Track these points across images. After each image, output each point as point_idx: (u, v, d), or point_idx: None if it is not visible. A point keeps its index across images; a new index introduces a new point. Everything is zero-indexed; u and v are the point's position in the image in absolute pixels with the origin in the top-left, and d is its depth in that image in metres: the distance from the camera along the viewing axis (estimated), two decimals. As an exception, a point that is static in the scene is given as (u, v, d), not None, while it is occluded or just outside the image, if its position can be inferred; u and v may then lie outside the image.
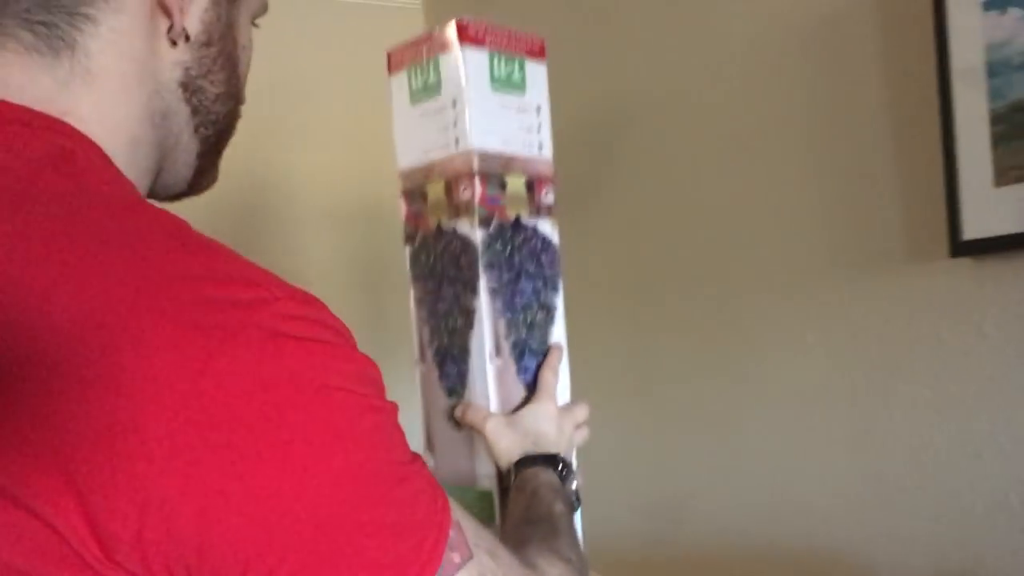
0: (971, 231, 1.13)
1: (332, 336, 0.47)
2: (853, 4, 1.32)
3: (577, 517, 0.97)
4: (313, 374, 0.44)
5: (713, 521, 1.63)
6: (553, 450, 0.86)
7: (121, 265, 0.42)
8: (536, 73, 0.96)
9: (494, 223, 0.90)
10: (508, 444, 0.85)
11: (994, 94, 1.10)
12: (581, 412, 0.96)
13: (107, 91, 0.54)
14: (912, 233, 1.23)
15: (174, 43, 0.57)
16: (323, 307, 0.47)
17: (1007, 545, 1.12)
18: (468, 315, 0.90)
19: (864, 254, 1.31)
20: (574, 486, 0.85)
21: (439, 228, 0.92)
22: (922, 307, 1.22)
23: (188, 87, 0.59)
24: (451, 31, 0.89)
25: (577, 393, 2.08)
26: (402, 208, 0.96)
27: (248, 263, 0.47)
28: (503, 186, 0.91)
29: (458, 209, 0.89)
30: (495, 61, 0.91)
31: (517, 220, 0.93)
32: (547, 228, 0.97)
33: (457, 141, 0.89)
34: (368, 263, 2.54)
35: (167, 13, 0.56)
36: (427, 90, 0.92)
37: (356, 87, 2.96)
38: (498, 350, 0.90)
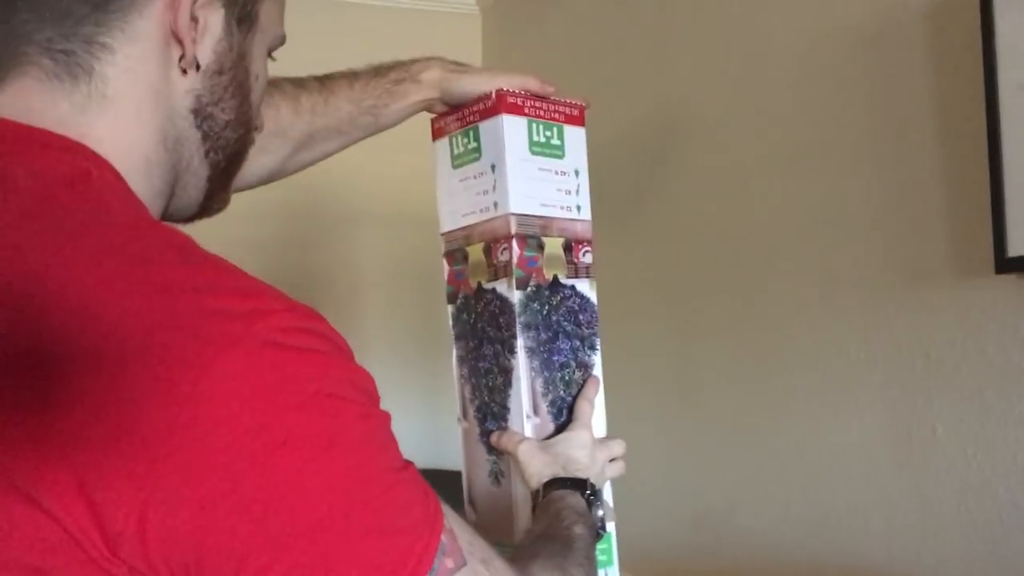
0: (1016, 248, 1.12)
1: (327, 347, 0.49)
2: (902, 18, 1.32)
3: (613, 541, 0.99)
4: (307, 382, 0.47)
5: (754, 533, 1.63)
6: (583, 476, 0.87)
7: (129, 278, 0.46)
8: (575, 137, 0.99)
9: (531, 284, 0.92)
10: (539, 466, 0.87)
11: (1041, 109, 1.09)
12: (617, 447, 0.97)
13: (122, 115, 0.57)
14: (958, 248, 1.22)
15: (185, 71, 0.60)
16: (321, 320, 0.50)
17: (1050, 565, 1.10)
18: (507, 374, 0.92)
19: (910, 268, 1.30)
20: (600, 513, 0.86)
21: (479, 288, 0.94)
22: (967, 323, 1.21)
23: (199, 114, 0.62)
24: (491, 100, 0.92)
25: (623, 401, 2.11)
26: (445, 269, 0.99)
27: (250, 278, 0.50)
28: (541, 247, 0.93)
29: (497, 271, 0.92)
30: (534, 127, 0.94)
31: (555, 280, 0.95)
32: (585, 288, 0.99)
33: (496, 204, 0.92)
34: (418, 262, 2.55)
35: (180, 43, 0.59)
36: (468, 155, 0.95)
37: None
38: (535, 409, 0.92)
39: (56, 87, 0.56)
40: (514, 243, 0.90)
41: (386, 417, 0.53)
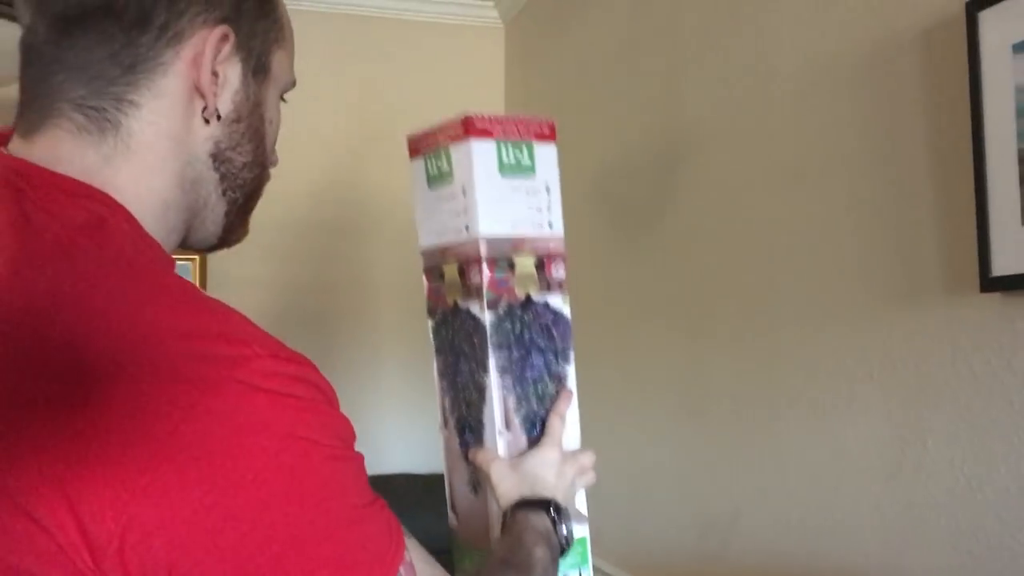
0: (1000, 268, 1.16)
1: (306, 392, 0.54)
2: (894, 42, 1.36)
3: (587, 544, 1.01)
4: (280, 425, 0.52)
5: (757, 540, 1.68)
6: (548, 495, 0.90)
7: (128, 320, 0.52)
8: (545, 154, 1.00)
9: (502, 305, 0.95)
10: (508, 487, 0.91)
11: (1022, 135, 1.13)
12: (586, 458, 0.99)
13: (144, 164, 0.63)
14: (947, 268, 1.26)
15: (207, 121, 0.66)
16: (306, 366, 0.55)
17: (1031, 575, 1.14)
18: (481, 391, 0.95)
19: (903, 286, 1.34)
20: (564, 532, 0.88)
21: (455, 306, 0.97)
22: (956, 340, 1.25)
23: (218, 158, 0.68)
24: (460, 125, 0.94)
25: (634, 412, 2.16)
26: (424, 284, 1.02)
27: (241, 323, 0.55)
28: (512, 267, 0.95)
29: (470, 291, 0.95)
30: (503, 149, 0.95)
31: (527, 298, 0.97)
32: (558, 302, 1.00)
33: (467, 228, 0.94)
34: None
35: (203, 96, 0.65)
36: (441, 177, 0.97)
37: (440, 104, 3.09)
38: (507, 425, 0.95)
39: (85, 139, 0.62)
40: (484, 266, 0.93)
41: (357, 458, 0.58)
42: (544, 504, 0.88)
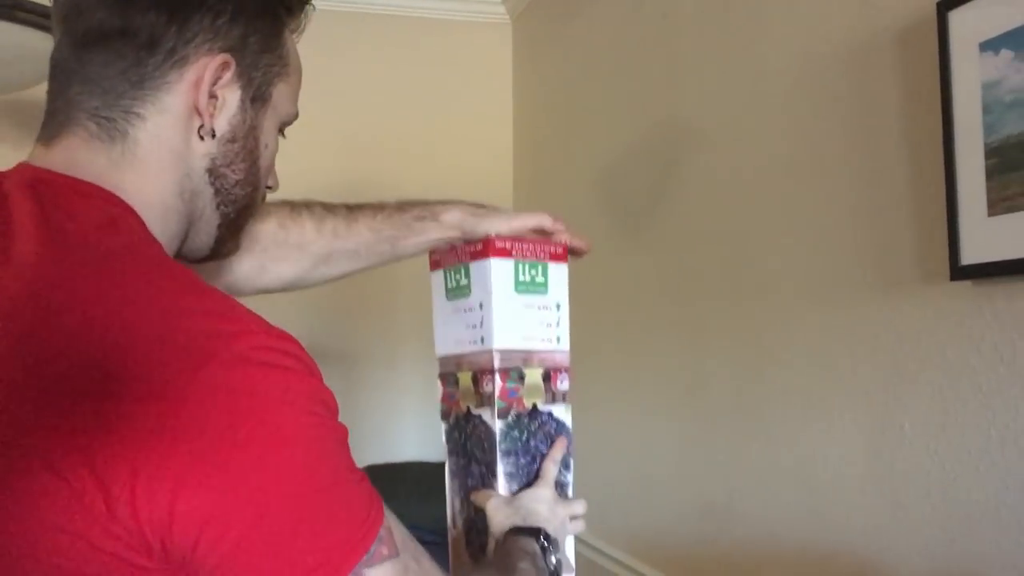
0: (968, 257, 1.21)
1: (295, 364, 0.61)
2: (874, 43, 1.41)
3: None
4: (270, 392, 0.58)
5: (751, 524, 1.73)
6: (539, 525, 0.96)
7: (144, 304, 0.59)
8: (557, 274, 1.06)
9: (512, 414, 1.01)
10: (502, 519, 0.97)
11: (988, 130, 1.17)
12: (579, 506, 1.04)
13: (148, 172, 0.71)
14: (920, 257, 1.31)
15: (203, 138, 0.73)
16: (293, 343, 0.62)
17: (1000, 549, 1.19)
18: None
19: (882, 275, 1.39)
20: (553, 560, 0.93)
21: (468, 412, 1.04)
22: (929, 326, 1.30)
23: (213, 173, 0.75)
24: (481, 244, 1.01)
25: (637, 401, 2.21)
26: (439, 389, 1.09)
27: (237, 306, 0.62)
28: (522, 378, 1.02)
29: (482, 399, 1.01)
30: (520, 268, 1.02)
31: (534, 408, 1.03)
32: (561, 411, 1.06)
33: (483, 339, 1.01)
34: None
35: (200, 115, 0.73)
36: (459, 290, 1.04)
37: (450, 100, 3.16)
38: None
39: (97, 146, 0.70)
40: (497, 377, 1.00)
41: (341, 429, 0.64)
42: (534, 531, 0.94)
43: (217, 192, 0.76)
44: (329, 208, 1.10)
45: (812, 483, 1.56)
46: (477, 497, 1.01)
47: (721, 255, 1.86)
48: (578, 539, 1.09)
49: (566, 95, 2.79)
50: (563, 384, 1.06)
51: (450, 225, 1.09)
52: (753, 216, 1.74)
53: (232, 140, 0.75)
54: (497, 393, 0.99)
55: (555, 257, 1.06)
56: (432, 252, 1.08)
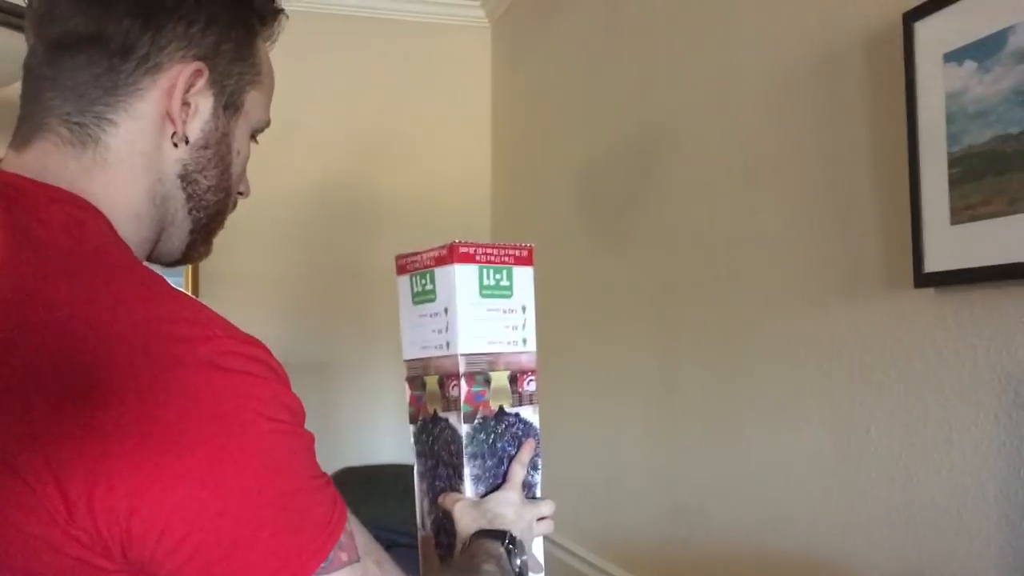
0: (932, 264, 1.23)
1: (260, 370, 0.61)
2: (842, 52, 1.43)
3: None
4: (233, 397, 0.59)
5: (722, 526, 1.75)
6: (505, 528, 0.97)
7: (107, 308, 0.59)
8: (523, 276, 1.07)
9: (478, 417, 1.02)
10: (468, 522, 0.98)
11: (951, 140, 1.19)
12: (546, 507, 1.05)
13: (118, 177, 0.71)
14: (886, 264, 1.33)
15: (176, 145, 0.74)
16: (260, 348, 0.62)
17: (962, 551, 1.21)
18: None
19: (847, 281, 1.41)
20: (518, 562, 0.94)
21: (435, 415, 1.05)
22: (894, 333, 1.32)
23: (185, 179, 0.76)
24: (445, 250, 1.01)
25: (609, 405, 2.22)
26: (407, 392, 1.10)
27: (204, 309, 0.63)
28: (488, 382, 1.03)
29: (449, 403, 1.02)
30: (484, 273, 1.03)
31: (500, 410, 1.04)
32: (529, 413, 1.07)
33: (448, 344, 1.02)
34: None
35: (172, 122, 0.73)
36: (425, 295, 1.05)
37: (429, 103, 3.17)
38: None
39: (68, 151, 0.71)
40: (462, 381, 1.01)
41: (307, 436, 0.64)
42: (499, 535, 0.94)
43: (189, 198, 0.77)
44: None
45: (781, 486, 1.57)
46: (444, 501, 1.02)
47: (693, 259, 1.87)
48: (549, 540, 1.10)
49: (544, 98, 2.81)
50: (530, 386, 1.07)
51: None
52: (723, 221, 1.76)
53: (204, 147, 0.76)
54: (463, 398, 1.00)
55: (520, 261, 1.06)
56: (398, 257, 1.09)
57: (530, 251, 1.08)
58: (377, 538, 2.31)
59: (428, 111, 3.17)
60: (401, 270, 1.09)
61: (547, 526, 1.05)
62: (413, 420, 1.09)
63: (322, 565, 0.61)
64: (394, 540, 2.82)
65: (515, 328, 1.05)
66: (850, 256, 1.41)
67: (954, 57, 1.19)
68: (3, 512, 0.56)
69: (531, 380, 1.07)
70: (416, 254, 1.06)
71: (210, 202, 0.79)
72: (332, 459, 2.96)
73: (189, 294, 0.66)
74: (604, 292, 2.30)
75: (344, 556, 0.63)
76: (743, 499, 1.68)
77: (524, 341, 1.07)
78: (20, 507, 0.55)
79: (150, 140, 0.73)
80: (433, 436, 1.06)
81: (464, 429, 1.01)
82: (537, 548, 1.07)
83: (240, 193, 0.85)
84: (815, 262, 1.49)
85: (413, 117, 3.15)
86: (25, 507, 0.55)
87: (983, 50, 1.15)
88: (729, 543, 1.72)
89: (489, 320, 1.03)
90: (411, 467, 1.09)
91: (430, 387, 1.05)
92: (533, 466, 1.07)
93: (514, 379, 1.06)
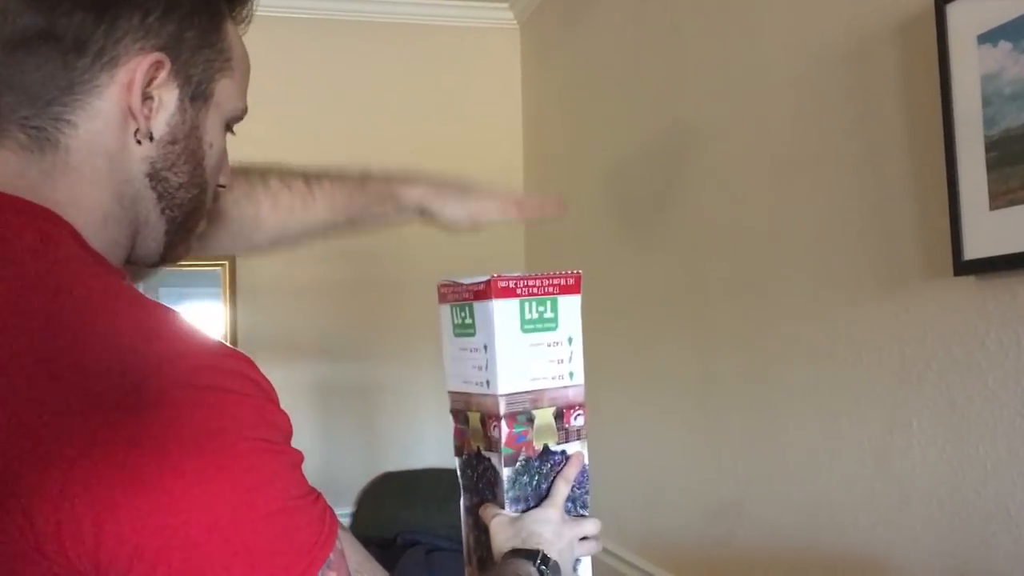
0: (971, 252, 1.19)
1: (242, 386, 0.57)
2: (874, 37, 1.40)
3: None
4: (210, 417, 0.55)
5: (761, 525, 1.72)
6: (540, 548, 0.92)
7: (77, 325, 0.56)
8: (569, 305, 1.00)
9: (520, 460, 0.96)
10: (503, 539, 0.93)
11: (988, 123, 1.16)
12: (590, 526, 0.99)
13: (82, 180, 0.67)
14: (924, 253, 1.30)
15: (140, 142, 0.69)
16: (243, 362, 0.58)
17: (1010, 546, 1.17)
18: None
19: (886, 272, 1.38)
20: None
21: (479, 452, 0.99)
22: (934, 323, 1.28)
23: (154, 178, 0.71)
24: (484, 285, 0.95)
25: (646, 406, 2.20)
26: (452, 424, 1.04)
27: (181, 324, 0.60)
28: (531, 420, 0.97)
29: (491, 443, 0.97)
30: (526, 306, 0.96)
31: (545, 449, 0.98)
32: (576, 448, 1.01)
33: (488, 383, 0.96)
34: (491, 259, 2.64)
35: (135, 118, 0.68)
36: (465, 328, 0.99)
37: (460, 106, 3.17)
38: None
39: (29, 157, 0.66)
40: (503, 423, 0.95)
41: (293, 454, 0.60)
42: (532, 554, 0.90)
43: (160, 197, 0.72)
44: (286, 182, 1.08)
45: (822, 482, 1.54)
46: (483, 513, 0.98)
47: (728, 255, 1.85)
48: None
49: (574, 99, 2.79)
50: (577, 420, 1.01)
51: (410, 208, 1.09)
52: (758, 215, 1.73)
53: (172, 142, 0.71)
54: (504, 440, 0.95)
55: (565, 289, 1.00)
56: (439, 286, 1.03)
57: (577, 279, 1.01)
58: (417, 542, 2.32)
59: (459, 115, 3.17)
60: (442, 299, 1.03)
61: (591, 546, 0.99)
62: (459, 453, 1.04)
63: None
64: (435, 545, 2.81)
65: (561, 362, 0.99)
66: (887, 246, 1.38)
67: (988, 38, 1.16)
68: None
69: (579, 414, 1.01)
70: (457, 284, 1.00)
71: (183, 199, 0.74)
72: (372, 464, 2.97)
73: (167, 306, 0.63)
74: (639, 291, 2.27)
75: (333, 575, 0.60)
76: (784, 497, 1.65)
77: (571, 375, 1.00)
78: None
79: (113, 139, 0.68)
80: (478, 473, 1.01)
81: (506, 473, 0.96)
82: (585, 569, 1.01)
83: (221, 185, 0.80)
84: (852, 253, 1.46)
85: (444, 121, 3.15)
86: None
87: (1018, 30, 1.12)
88: (771, 542, 1.69)
89: (532, 356, 0.97)
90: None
91: (473, 423, 1.00)
92: (583, 504, 1.02)
93: (560, 415, 0.99)
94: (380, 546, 2.68)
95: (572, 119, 2.81)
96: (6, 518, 0.52)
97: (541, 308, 0.98)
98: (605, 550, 2.27)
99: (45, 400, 0.53)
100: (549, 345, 0.98)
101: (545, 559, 0.90)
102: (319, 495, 0.62)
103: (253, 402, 0.58)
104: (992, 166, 1.15)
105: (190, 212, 0.76)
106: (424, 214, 1.12)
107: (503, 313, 0.95)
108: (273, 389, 0.60)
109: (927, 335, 1.30)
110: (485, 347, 0.96)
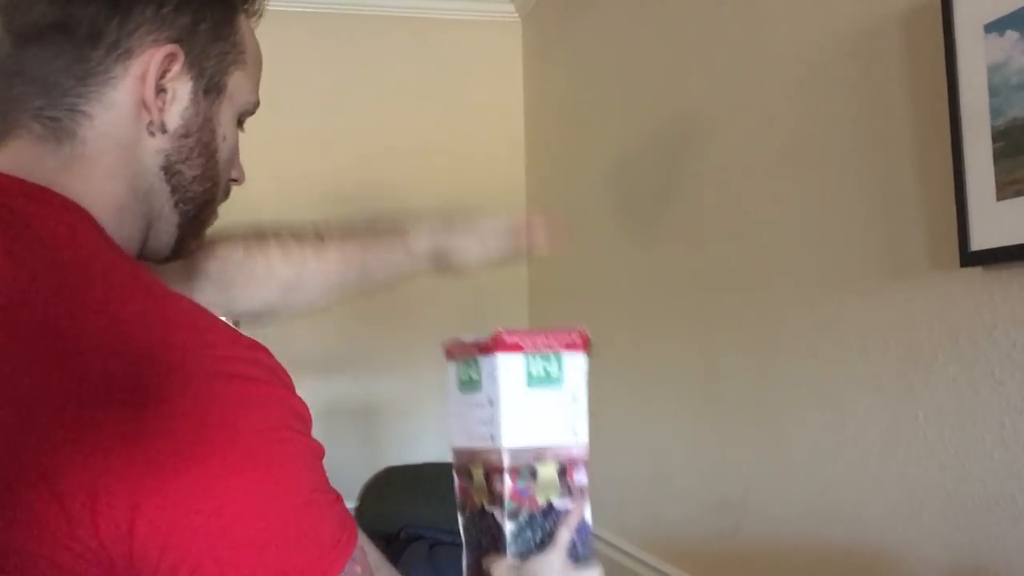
0: (978, 242, 1.19)
1: (265, 375, 0.58)
2: (879, 27, 1.39)
3: None
4: (234, 405, 0.55)
5: (766, 518, 1.72)
6: None
7: (104, 316, 0.56)
8: (574, 364, 1.00)
9: (523, 514, 0.96)
10: None
11: (995, 113, 1.15)
12: (593, 572, 0.99)
13: (97, 172, 0.67)
14: (930, 244, 1.29)
15: (153, 134, 0.69)
16: (262, 351, 0.59)
17: (1017, 538, 1.17)
18: None
19: (892, 263, 1.38)
20: None
21: (483, 509, 0.99)
22: (941, 315, 1.28)
23: (168, 170, 0.71)
24: (490, 340, 0.95)
25: (651, 400, 2.20)
26: (456, 481, 1.04)
27: (204, 313, 0.60)
28: (534, 475, 0.97)
29: (494, 498, 0.96)
30: (531, 362, 0.97)
31: (549, 505, 0.98)
32: (579, 504, 1.01)
33: (493, 438, 0.96)
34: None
35: (148, 111, 0.68)
36: (471, 384, 0.99)
37: (462, 100, 3.16)
38: None
39: (44, 148, 0.66)
40: (506, 476, 0.95)
41: (316, 446, 0.60)
42: None
43: (174, 190, 0.72)
44: (297, 236, 1.09)
45: (827, 474, 1.54)
46: (485, 561, 0.98)
47: (732, 247, 1.84)
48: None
49: (576, 91, 2.78)
50: (580, 478, 1.01)
51: (421, 256, 1.10)
52: (762, 207, 1.73)
53: (186, 135, 0.71)
54: (507, 494, 0.95)
55: (571, 346, 1.00)
56: (445, 345, 1.04)
57: (584, 337, 1.01)
58: (420, 536, 2.31)
59: (461, 109, 3.16)
60: (448, 355, 1.04)
61: None
62: (462, 511, 1.04)
63: None
64: (438, 539, 2.81)
65: (565, 419, 1.00)
66: (893, 237, 1.37)
67: (995, 27, 1.15)
68: (2, 526, 0.53)
69: (581, 472, 1.01)
70: (461, 342, 1.01)
71: (196, 193, 0.74)
72: (375, 459, 2.97)
73: (186, 296, 0.63)
74: (643, 283, 2.27)
75: (359, 569, 0.60)
76: (789, 489, 1.65)
77: (575, 432, 1.01)
78: (17, 522, 0.52)
79: (127, 131, 0.68)
80: (481, 530, 1.00)
81: (509, 527, 0.95)
82: None
83: (233, 180, 0.80)
84: (857, 244, 1.46)
85: (446, 115, 3.15)
86: (22, 522, 0.52)
87: (1026, 19, 1.11)
88: (775, 534, 1.69)
89: (537, 412, 0.98)
90: (450, 542, 1.05)
91: (476, 479, 1.00)
92: (587, 562, 1.01)
93: (563, 471, 1.00)
94: (383, 540, 2.68)
95: (574, 112, 2.81)
96: (39, 504, 0.52)
97: (547, 364, 0.98)
98: (609, 543, 2.27)
99: (75, 388, 0.53)
100: (554, 402, 0.99)
101: None
102: (338, 494, 0.62)
103: (278, 392, 0.58)
104: (999, 156, 1.15)
105: (203, 206, 0.75)
106: (438, 259, 1.13)
107: (508, 367, 0.96)
108: (289, 377, 0.60)
109: (933, 326, 1.29)
110: (490, 401, 0.97)
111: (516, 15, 3.24)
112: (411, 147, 3.10)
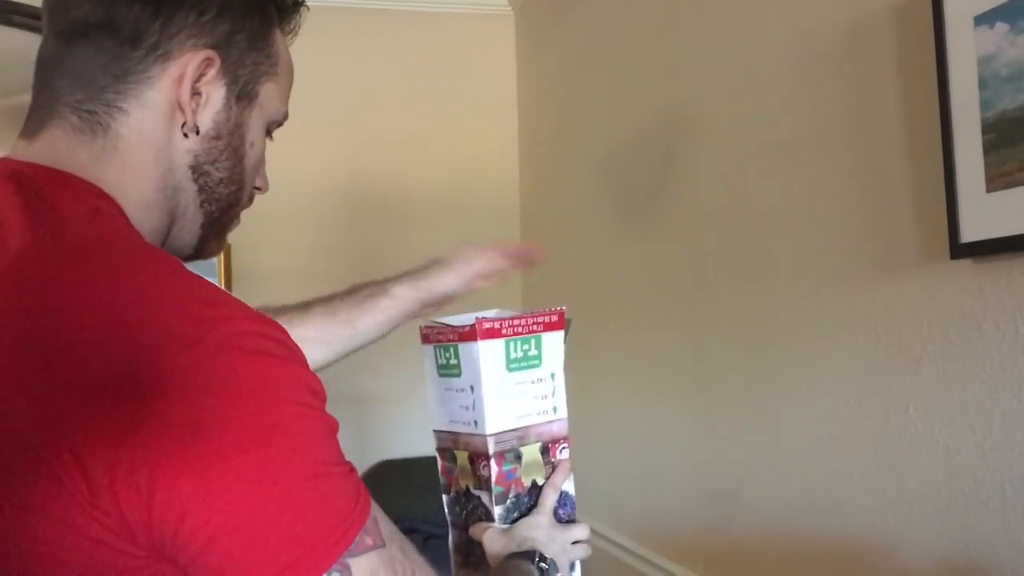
0: (968, 234, 1.19)
1: (280, 350, 0.60)
2: (870, 19, 1.39)
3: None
4: (254, 379, 0.57)
5: (758, 510, 1.72)
6: (535, 549, 0.95)
7: (127, 292, 0.58)
8: (552, 342, 1.02)
9: (511, 497, 0.98)
10: (499, 548, 0.95)
11: (984, 105, 1.15)
12: (580, 531, 1.02)
13: (128, 166, 0.71)
14: (920, 236, 1.30)
15: (186, 135, 0.73)
16: (278, 328, 0.61)
17: (1006, 529, 1.17)
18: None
19: (883, 256, 1.38)
20: None
21: (468, 491, 1.01)
22: (931, 307, 1.28)
23: (196, 170, 0.75)
24: (469, 328, 0.97)
25: (643, 392, 2.20)
26: (439, 462, 1.06)
27: (220, 291, 0.62)
28: (519, 457, 0.99)
29: (480, 482, 0.98)
30: (511, 346, 0.98)
31: (533, 484, 1.01)
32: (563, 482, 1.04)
33: (476, 423, 0.97)
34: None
35: (183, 111, 0.72)
36: (450, 369, 1.00)
37: (455, 93, 3.15)
38: None
39: (79, 139, 0.70)
40: (492, 462, 0.97)
41: (330, 420, 0.62)
42: (530, 553, 0.93)
43: (201, 190, 0.76)
44: (280, 308, 1.13)
45: (818, 467, 1.54)
46: (475, 531, 1.00)
47: (723, 241, 1.84)
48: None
49: (569, 85, 2.78)
50: (563, 453, 1.03)
51: (404, 299, 1.14)
52: (754, 200, 1.73)
53: (216, 137, 0.75)
54: (494, 479, 0.97)
55: (549, 326, 1.02)
56: (422, 327, 1.05)
57: (560, 315, 1.04)
58: (414, 529, 2.33)
59: (454, 102, 3.16)
60: (425, 339, 1.05)
61: (582, 550, 1.02)
62: (446, 491, 1.06)
63: (348, 549, 0.60)
64: (432, 532, 2.82)
65: (545, 397, 1.02)
66: (883, 229, 1.37)
67: (985, 20, 1.15)
68: (26, 494, 0.55)
69: (563, 448, 1.03)
70: (440, 327, 1.02)
71: (222, 195, 0.77)
72: (368, 452, 2.97)
73: (202, 276, 0.64)
74: (635, 277, 2.27)
75: (370, 540, 0.62)
76: (780, 481, 1.65)
77: (555, 409, 1.03)
78: (43, 488, 0.55)
79: (161, 129, 0.72)
80: (467, 511, 1.02)
81: (497, 511, 0.97)
82: (577, 573, 1.04)
83: (257, 188, 0.83)
84: (847, 237, 1.46)
85: (439, 108, 3.14)
86: (47, 490, 0.55)
87: (1015, 11, 1.11)
88: (767, 526, 1.69)
89: (518, 394, 0.99)
90: (445, 535, 1.06)
91: (461, 462, 1.02)
92: (564, 503, 1.04)
93: (546, 450, 1.02)
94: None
95: (567, 106, 2.80)
96: (61, 471, 0.54)
97: (525, 347, 1.00)
98: (601, 535, 2.28)
99: (100, 361, 0.56)
100: (533, 382, 1.01)
101: (543, 557, 0.93)
102: (352, 466, 0.64)
103: (293, 367, 0.60)
104: (989, 148, 1.15)
105: (227, 208, 0.79)
106: (422, 300, 1.18)
107: (489, 354, 0.97)
108: (303, 353, 0.62)
109: (924, 318, 1.29)
110: (472, 387, 0.98)
111: (509, 8, 3.24)
112: (404, 140, 3.10)
